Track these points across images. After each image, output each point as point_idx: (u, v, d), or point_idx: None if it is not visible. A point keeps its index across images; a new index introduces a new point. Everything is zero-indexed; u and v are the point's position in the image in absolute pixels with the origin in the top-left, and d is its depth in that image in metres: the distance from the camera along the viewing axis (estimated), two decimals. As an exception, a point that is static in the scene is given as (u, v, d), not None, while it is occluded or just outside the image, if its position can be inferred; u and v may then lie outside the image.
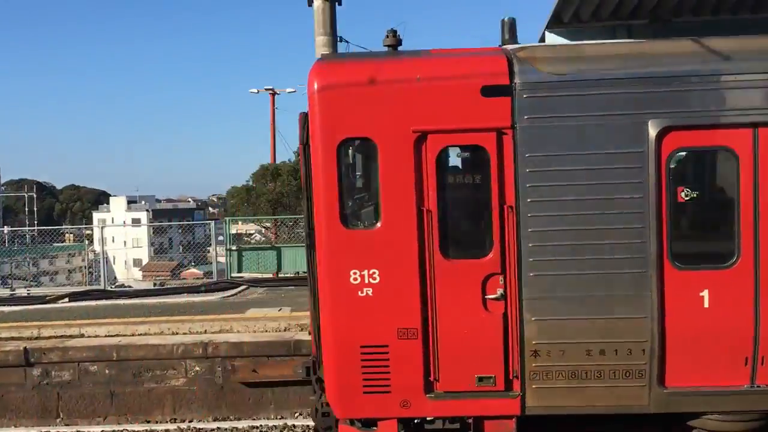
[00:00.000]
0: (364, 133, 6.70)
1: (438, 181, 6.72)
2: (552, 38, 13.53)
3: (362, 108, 6.69)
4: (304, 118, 7.86)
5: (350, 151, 6.84)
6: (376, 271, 6.76)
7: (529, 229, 6.68)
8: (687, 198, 6.74)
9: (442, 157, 6.72)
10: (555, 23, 13.32)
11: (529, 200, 6.67)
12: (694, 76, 6.59)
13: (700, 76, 6.59)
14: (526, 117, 6.60)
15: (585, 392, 6.89)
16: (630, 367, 6.81)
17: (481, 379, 6.92)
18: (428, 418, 7.15)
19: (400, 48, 7.73)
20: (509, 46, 7.13)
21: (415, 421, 7.20)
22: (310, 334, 8.32)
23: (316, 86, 6.73)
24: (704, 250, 6.87)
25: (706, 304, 6.73)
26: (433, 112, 6.65)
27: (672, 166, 6.66)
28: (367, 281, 6.77)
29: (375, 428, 7.20)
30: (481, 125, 6.65)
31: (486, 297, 6.79)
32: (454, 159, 6.82)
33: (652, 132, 6.56)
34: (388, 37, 7.68)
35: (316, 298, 7.89)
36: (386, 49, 7.64)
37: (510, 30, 7.60)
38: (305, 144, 7.82)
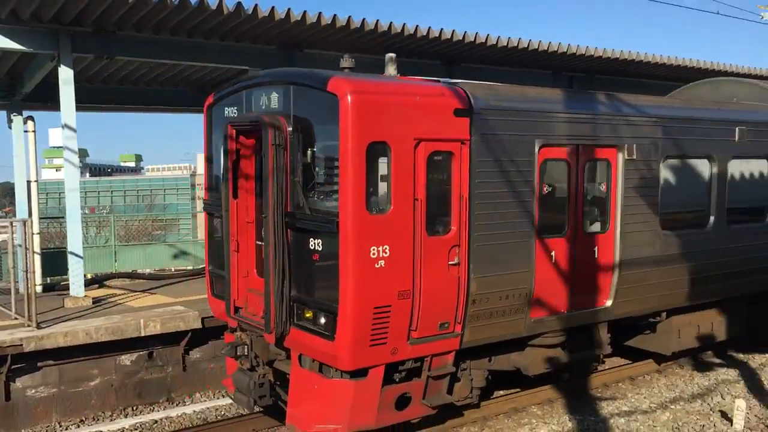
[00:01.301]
0: (383, 138, 8.49)
1: (426, 177, 8.91)
2: None
3: (382, 117, 8.48)
4: (273, 126, 9.04)
5: (371, 152, 8.49)
6: (387, 247, 8.60)
7: (476, 212, 9.38)
8: (547, 191, 10.32)
9: (429, 159, 8.93)
10: None
11: (476, 192, 9.36)
12: (553, 113, 10.19)
13: (556, 112, 10.23)
14: (477, 132, 9.29)
15: (496, 326, 9.88)
16: (518, 306, 10.03)
17: (441, 325, 9.31)
18: (401, 360, 9.21)
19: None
20: (449, 79, 9.68)
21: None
22: (265, 313, 9.33)
23: (349, 98, 8.24)
24: (553, 225, 10.51)
25: (554, 260, 10.39)
26: (427, 124, 8.84)
27: (542, 169, 10.13)
28: (381, 255, 8.56)
29: (363, 377, 8.92)
30: (453, 137, 9.10)
31: (449, 263, 9.23)
32: (434, 161, 9.06)
33: (536, 147, 9.94)
34: (345, 60, 9.42)
35: (282, 274, 9.09)
36: (345, 70, 9.37)
37: (392, 64, 10.07)
38: (277, 145, 9.04)
